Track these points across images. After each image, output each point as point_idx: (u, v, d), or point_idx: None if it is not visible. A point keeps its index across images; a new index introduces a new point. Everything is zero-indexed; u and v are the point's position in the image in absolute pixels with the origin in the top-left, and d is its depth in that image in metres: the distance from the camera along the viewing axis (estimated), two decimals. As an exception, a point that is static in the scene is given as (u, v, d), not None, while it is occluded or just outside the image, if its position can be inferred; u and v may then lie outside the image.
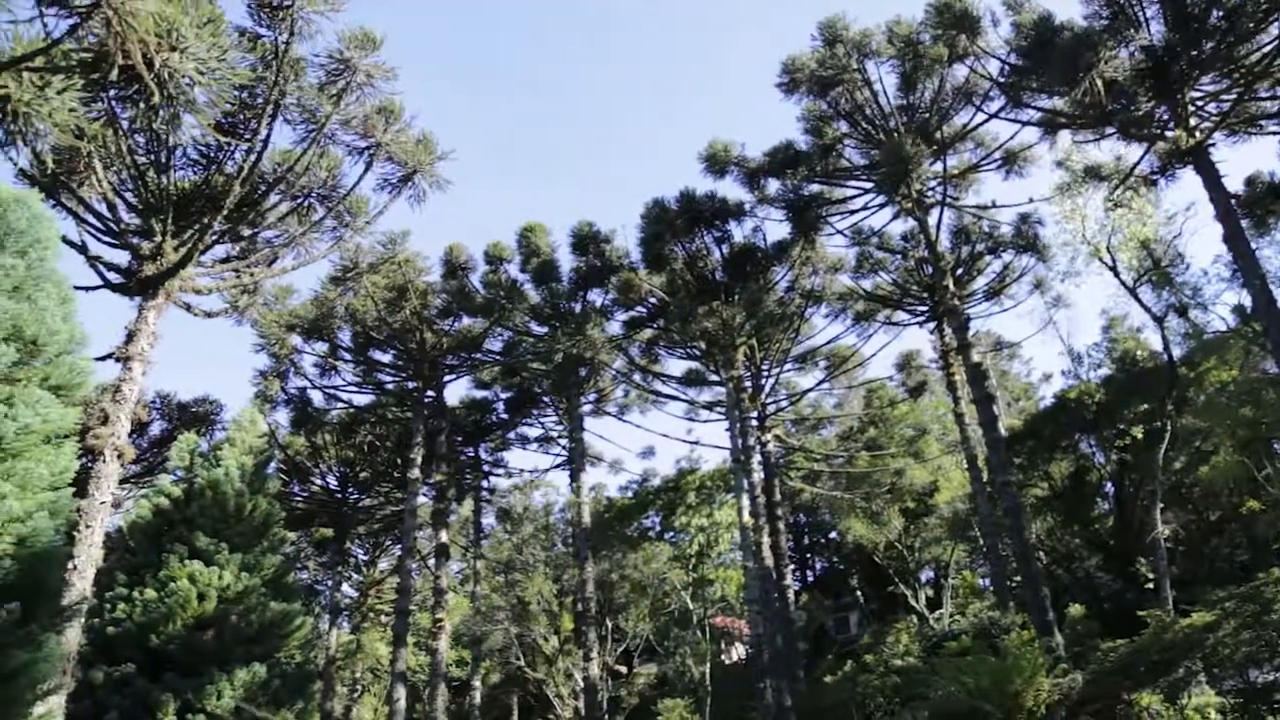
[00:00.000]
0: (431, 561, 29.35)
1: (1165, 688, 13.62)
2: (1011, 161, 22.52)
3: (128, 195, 13.83)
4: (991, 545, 22.67)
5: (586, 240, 25.75)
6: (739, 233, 24.75)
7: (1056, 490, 24.49)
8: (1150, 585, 20.94)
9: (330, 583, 33.30)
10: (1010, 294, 23.94)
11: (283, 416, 27.89)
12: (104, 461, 11.48)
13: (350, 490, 30.39)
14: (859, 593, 37.77)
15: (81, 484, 9.51)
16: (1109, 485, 25.29)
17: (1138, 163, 19.48)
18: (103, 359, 12.04)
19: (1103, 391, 23.00)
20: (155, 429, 25.73)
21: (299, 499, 29.65)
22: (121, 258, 13.37)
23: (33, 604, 6.88)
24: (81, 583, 10.62)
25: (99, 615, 13.33)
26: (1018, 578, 21.77)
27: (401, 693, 23.13)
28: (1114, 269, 19.77)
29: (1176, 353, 21.16)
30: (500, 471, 32.04)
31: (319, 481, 30.16)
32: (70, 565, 10.23)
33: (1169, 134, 17.68)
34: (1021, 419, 27.78)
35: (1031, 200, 22.65)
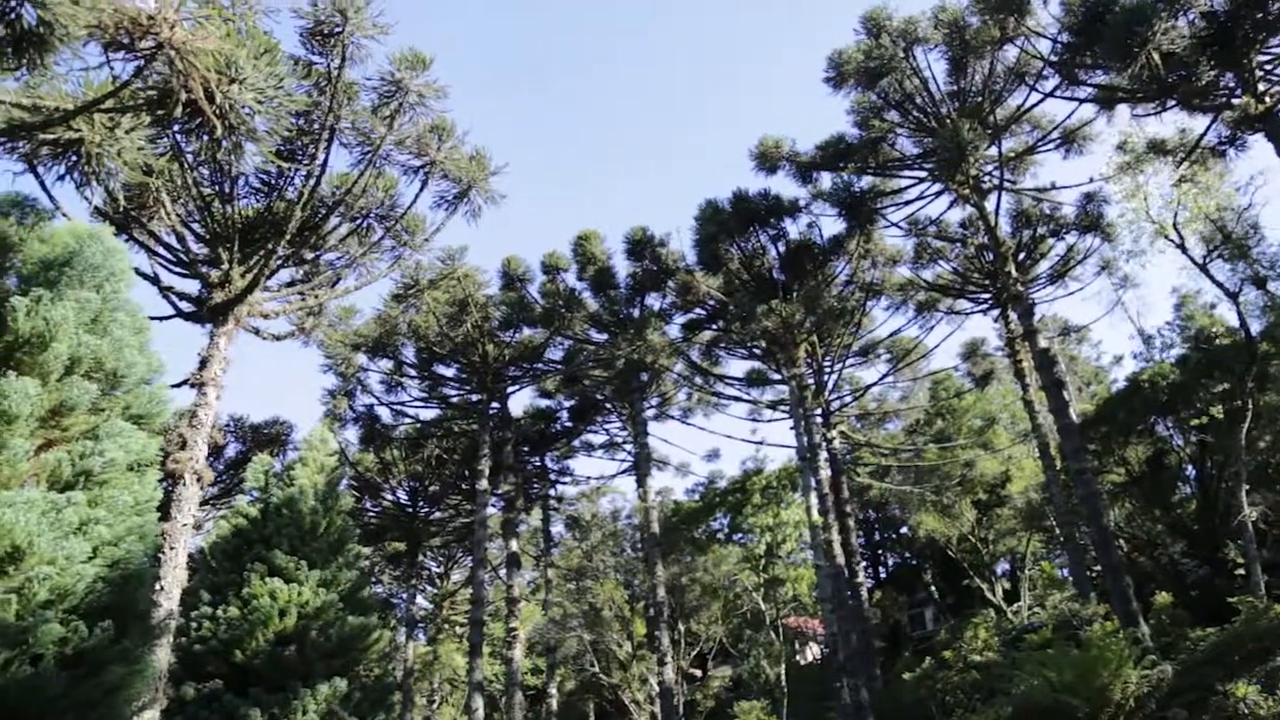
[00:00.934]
0: (503, 571, 29.68)
1: (1262, 677, 13.13)
2: (1070, 140, 22.01)
3: (195, 226, 14.28)
4: (1069, 534, 22.15)
5: (641, 245, 25.81)
6: (794, 229, 24.58)
7: (1134, 475, 23.80)
8: (1240, 571, 20.22)
9: (405, 595, 33.86)
10: (1075, 276, 23.34)
11: (352, 434, 28.49)
12: (184, 485, 11.87)
13: (420, 504, 30.86)
14: (933, 588, 37.17)
15: (164, 507, 9.83)
16: (1189, 468, 24.50)
17: (1204, 134, 18.89)
18: (178, 386, 12.44)
19: (1177, 371, 22.30)
20: (230, 451, 26.43)
21: (371, 514, 30.21)
22: (191, 287, 13.85)
23: (124, 623, 7.12)
24: (168, 602, 10.99)
25: (186, 634, 13.71)
26: (1097, 567, 21.24)
27: (479, 702, 23.40)
28: (1182, 246, 19.12)
29: (1255, 327, 20.37)
30: (567, 479, 32.30)
31: (390, 496, 30.69)
32: (157, 586, 10.58)
33: (1236, 101, 17.10)
34: (1093, 404, 27.08)
35: (1092, 179, 22.11)
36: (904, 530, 40.71)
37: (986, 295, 24.00)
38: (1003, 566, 35.81)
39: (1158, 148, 19.64)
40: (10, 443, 6.79)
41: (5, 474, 6.68)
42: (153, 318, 10.03)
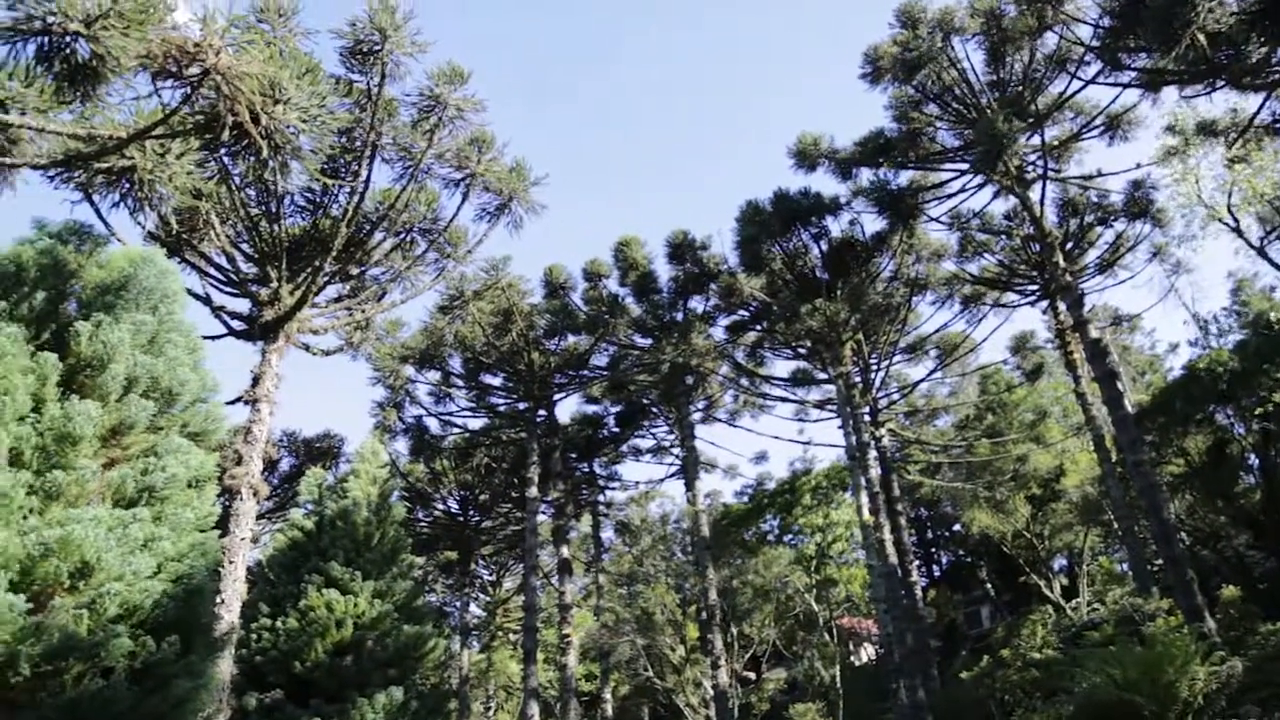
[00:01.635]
0: (555, 578, 29.82)
1: (1336, 671, 12.77)
2: (1114, 126, 21.57)
3: (244, 246, 14.58)
4: (1127, 528, 21.71)
5: (682, 248, 25.81)
6: (836, 227, 24.37)
7: (1194, 466, 23.23)
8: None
9: (458, 604, 34.18)
10: (1125, 265, 22.85)
11: (402, 445, 28.84)
12: (241, 500, 12.11)
13: (471, 513, 31.13)
14: (989, 585, 36.64)
15: (222, 522, 10.04)
16: (1252, 457, 23.86)
17: (1256, 112, 18.38)
18: (232, 403, 12.70)
19: (1236, 358, 21.74)
20: (284, 465, 26.89)
21: (423, 524, 30.53)
22: (242, 305, 14.13)
23: (189, 637, 7.30)
24: (229, 615, 11.21)
25: (246, 645, 13.97)
26: (1159, 561, 20.80)
27: (535, 709, 23.51)
28: (1237, 229, 18.68)
29: (1318, 310, 19.84)
30: (615, 485, 32.38)
31: (441, 506, 31.00)
32: (218, 599, 10.81)
33: (1289, 76, 16.65)
34: (1149, 394, 26.52)
35: (1139, 165, 21.60)
36: (957, 527, 40.21)
37: (1034, 287, 23.64)
38: (1060, 562, 35.19)
39: (1208, 129, 19.17)
40: (77, 462, 7.00)
41: (73, 493, 6.88)
42: (206, 337, 10.28)
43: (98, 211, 10.60)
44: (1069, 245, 22.39)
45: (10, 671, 6.18)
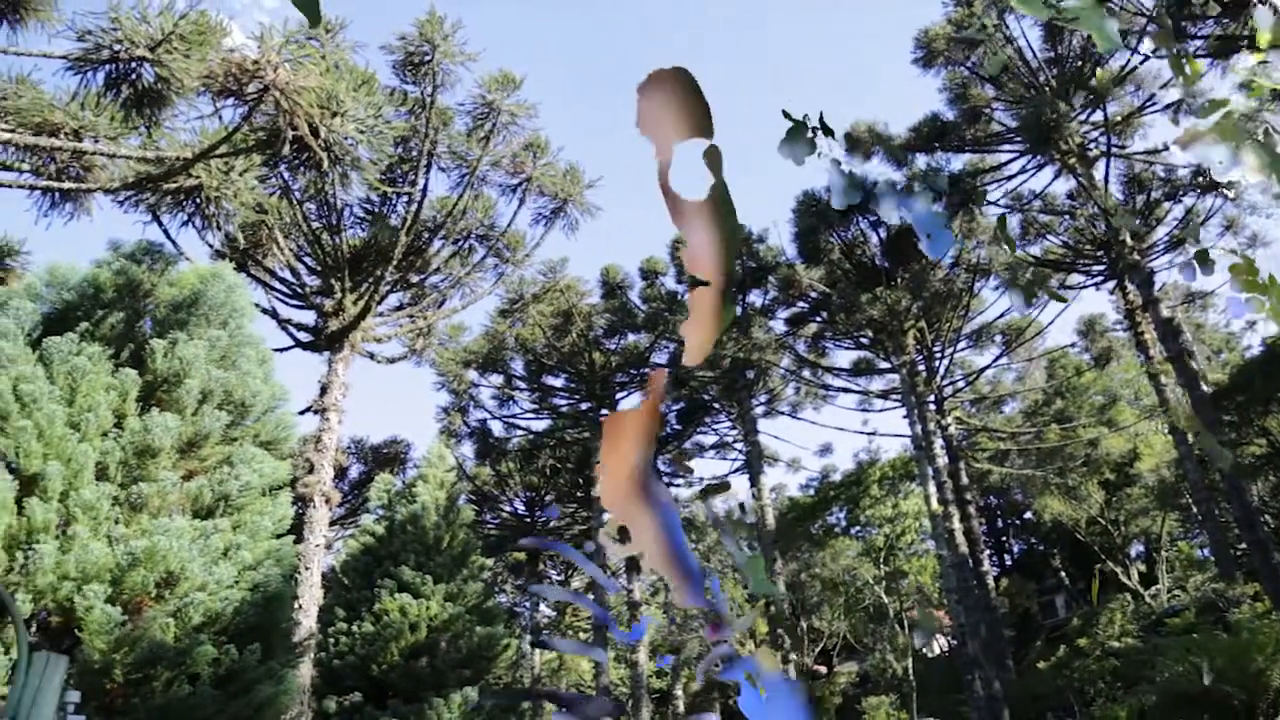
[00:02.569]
0: (623, 576, 29.92)
1: None
2: (1179, 99, 20.88)
3: (307, 259, 14.90)
4: (1207, 512, 21.03)
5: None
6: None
7: (1277, 446, 22.45)
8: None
9: (528, 604, 34.46)
10: (1197, 240, 22.15)
11: (467, 449, 29.17)
12: (314, 507, 12.40)
13: (538, 513, 31.34)
14: (1063, 573, 35.81)
15: (296, 529, 10.28)
16: (1340, 435, 22.96)
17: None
18: (302, 413, 13.00)
19: (1319, 333, 20.94)
20: (354, 472, 27.34)
21: (491, 526, 30.82)
22: (307, 317, 14.47)
23: (269, 643, 7.49)
24: (307, 620, 11.49)
25: (324, 649, 14.26)
26: (1242, 545, 20.13)
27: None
28: (1316, 196, 17.96)
29: (1404, 280, 18.95)
30: (680, 481, 32.32)
31: (508, 508, 31.27)
32: (296, 605, 11.07)
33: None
34: (1226, 373, 25.66)
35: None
36: (1028, 515, 39.36)
37: (1101, 267, 23.03)
38: (1137, 548, 34.21)
39: (1283, 92, 18.46)
40: (158, 474, 7.23)
41: (155, 504, 7.11)
42: (274, 349, 10.53)
43: (165, 231, 10.97)
44: (1136, 222, 21.77)
45: (106, 678, 6.41)
